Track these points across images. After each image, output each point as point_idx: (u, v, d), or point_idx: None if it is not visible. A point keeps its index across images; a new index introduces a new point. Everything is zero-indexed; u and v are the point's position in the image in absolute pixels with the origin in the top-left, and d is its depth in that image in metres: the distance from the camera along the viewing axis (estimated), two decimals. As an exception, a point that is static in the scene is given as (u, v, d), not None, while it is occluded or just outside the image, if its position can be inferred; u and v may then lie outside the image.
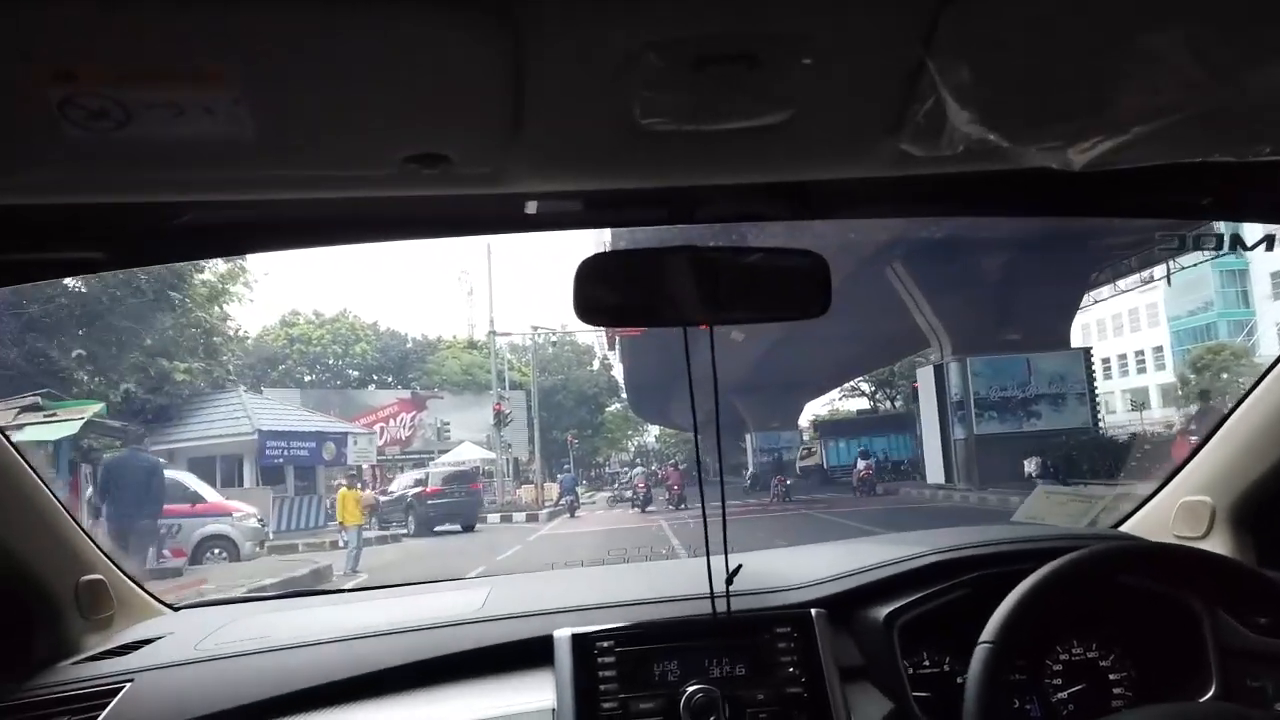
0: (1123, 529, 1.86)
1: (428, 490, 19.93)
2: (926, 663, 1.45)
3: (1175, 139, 0.88)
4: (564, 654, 1.32)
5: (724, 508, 1.27)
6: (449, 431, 28.04)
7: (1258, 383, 1.56)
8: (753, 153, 1.02)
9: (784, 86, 0.88)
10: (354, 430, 25.02)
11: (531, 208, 1.23)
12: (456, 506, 19.49)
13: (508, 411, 26.31)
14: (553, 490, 26.57)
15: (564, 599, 1.50)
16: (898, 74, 0.85)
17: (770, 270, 1.21)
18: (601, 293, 1.13)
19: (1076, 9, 0.77)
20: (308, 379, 37.50)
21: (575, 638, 1.33)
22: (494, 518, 21.85)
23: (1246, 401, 1.58)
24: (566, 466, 30.90)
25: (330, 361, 39.43)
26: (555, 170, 1.04)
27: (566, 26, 0.77)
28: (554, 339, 36.64)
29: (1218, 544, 1.66)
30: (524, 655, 1.39)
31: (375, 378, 39.69)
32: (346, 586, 2.96)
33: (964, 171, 1.08)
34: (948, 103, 0.83)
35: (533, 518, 21.99)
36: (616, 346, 31.07)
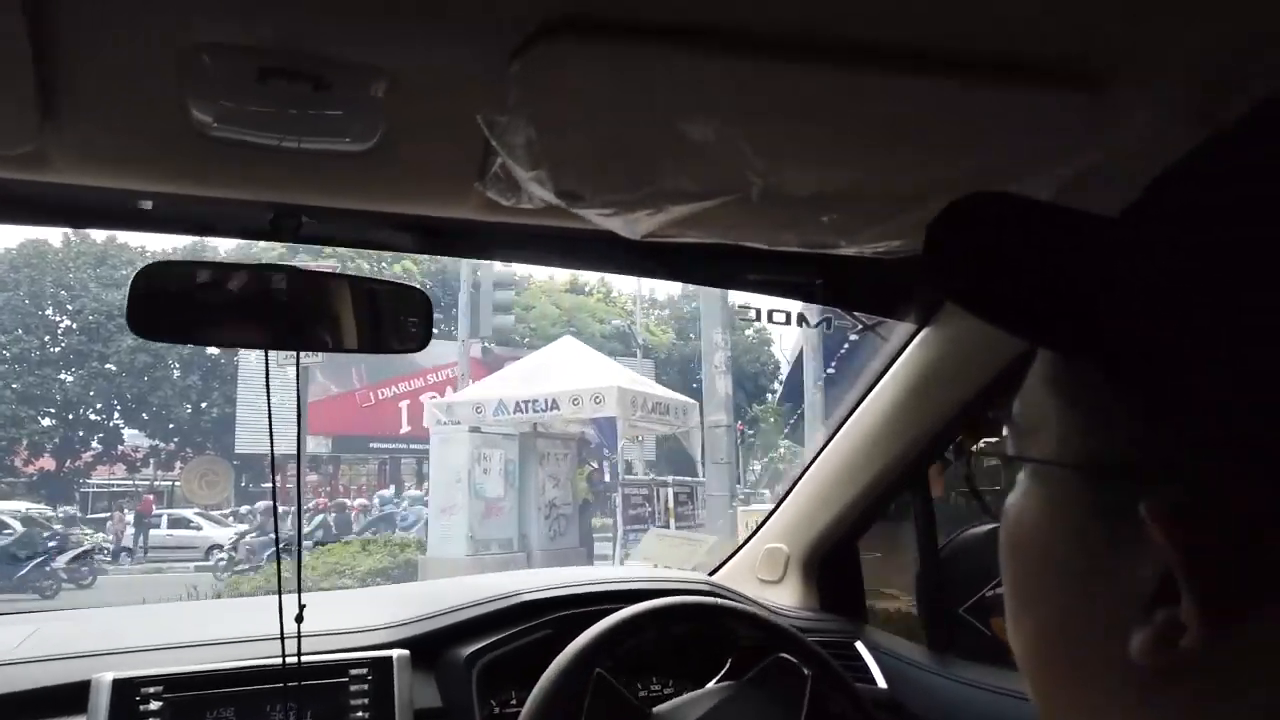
0: (720, 573, 2.02)
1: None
2: (514, 701, 1.46)
3: (724, 222, 0.98)
4: (100, 701, 1.18)
5: (299, 541, 1.21)
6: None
7: (829, 440, 1.77)
8: (341, 178, 0.99)
9: (360, 116, 0.86)
10: None
11: (100, 203, 1.11)
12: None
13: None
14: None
15: (117, 640, 1.34)
16: (474, 122, 0.87)
17: (370, 300, 1.18)
18: (164, 305, 1.04)
19: (636, 91, 0.82)
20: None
21: (117, 683, 1.19)
22: None
23: (820, 457, 1.79)
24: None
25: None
26: (111, 168, 0.95)
27: (95, 13, 0.70)
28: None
29: (790, 586, 1.85)
30: (58, 703, 1.22)
31: (438, 324, 24.80)
32: None
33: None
34: (516, 158, 0.86)
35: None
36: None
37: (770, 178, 0.90)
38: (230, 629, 1.39)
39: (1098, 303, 0.34)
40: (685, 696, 1.28)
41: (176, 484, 22.77)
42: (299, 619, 1.16)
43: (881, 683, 1.62)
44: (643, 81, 0.80)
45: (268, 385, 1.14)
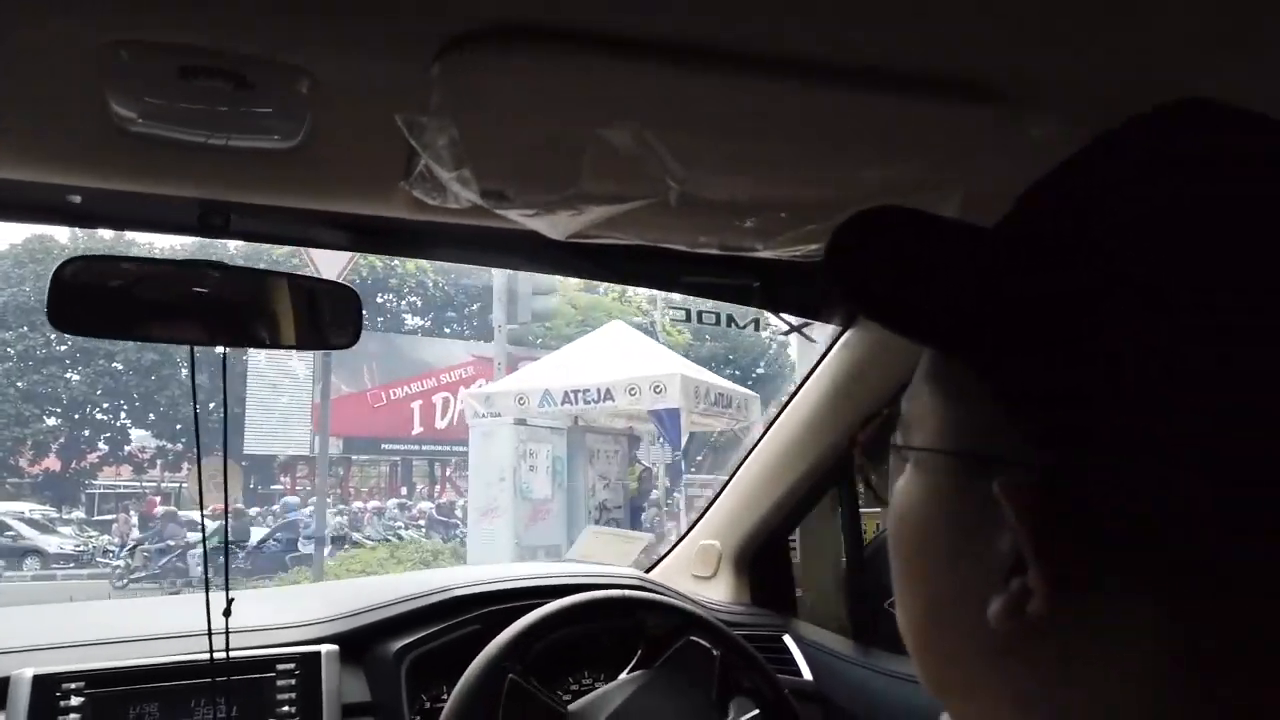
0: (656, 570, 2.05)
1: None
2: (444, 696, 1.47)
3: (645, 224, 1.01)
4: (20, 698, 1.17)
5: (226, 537, 1.21)
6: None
7: (761, 437, 1.81)
8: (268, 175, 1.00)
9: (285, 114, 0.87)
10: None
11: (27, 198, 1.10)
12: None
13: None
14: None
15: (37, 637, 1.33)
16: (398, 120, 0.88)
17: (299, 296, 1.19)
18: (87, 299, 1.04)
19: (556, 96, 0.85)
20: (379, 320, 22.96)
21: (37, 679, 1.18)
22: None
23: (750, 455, 1.83)
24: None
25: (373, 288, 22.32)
26: (34, 163, 0.95)
27: (8, 5, 0.70)
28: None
29: (722, 582, 1.89)
30: None
31: (451, 323, 24.24)
32: None
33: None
34: (439, 159, 0.88)
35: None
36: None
37: (688, 183, 0.93)
38: (156, 625, 1.38)
39: (968, 305, 0.38)
40: (598, 691, 1.31)
41: (184, 485, 21.67)
42: (227, 613, 1.16)
43: (807, 674, 1.67)
44: (562, 87, 0.82)
45: (194, 382, 1.15)
